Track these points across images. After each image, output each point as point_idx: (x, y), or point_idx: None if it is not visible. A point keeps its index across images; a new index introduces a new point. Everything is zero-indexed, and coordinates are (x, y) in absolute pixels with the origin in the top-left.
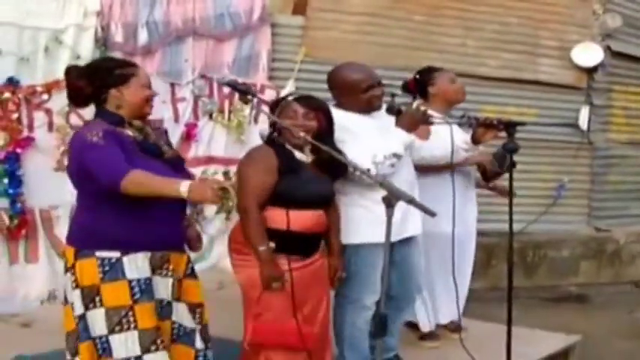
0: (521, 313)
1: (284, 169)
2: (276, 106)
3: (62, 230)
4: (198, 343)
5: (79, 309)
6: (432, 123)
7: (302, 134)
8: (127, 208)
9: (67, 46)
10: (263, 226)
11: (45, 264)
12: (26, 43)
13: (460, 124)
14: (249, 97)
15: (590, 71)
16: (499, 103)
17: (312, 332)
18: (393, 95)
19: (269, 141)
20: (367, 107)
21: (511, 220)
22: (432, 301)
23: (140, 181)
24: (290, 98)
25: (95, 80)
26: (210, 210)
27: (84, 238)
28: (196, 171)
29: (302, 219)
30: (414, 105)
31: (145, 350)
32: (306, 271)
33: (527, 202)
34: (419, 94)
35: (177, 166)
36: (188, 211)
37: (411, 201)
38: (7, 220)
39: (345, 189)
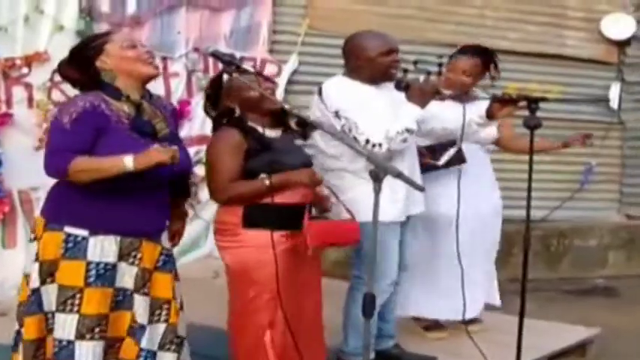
0: (542, 307)
1: (254, 147)
2: (218, 83)
3: None
4: (144, 342)
5: (34, 282)
6: (443, 98)
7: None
8: (102, 188)
9: (48, 16)
10: (244, 182)
11: (24, 249)
12: (4, 13)
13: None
14: (234, 68)
15: (622, 45)
16: (521, 79)
17: (299, 316)
18: (405, 71)
19: (231, 123)
20: (385, 74)
21: (529, 206)
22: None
23: (84, 167)
24: (225, 77)
25: (78, 62)
26: (204, 194)
27: (55, 211)
28: (190, 151)
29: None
30: (422, 79)
31: (79, 336)
32: (292, 248)
33: (551, 188)
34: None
35: (172, 146)
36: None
37: (399, 175)
38: None
39: (351, 166)
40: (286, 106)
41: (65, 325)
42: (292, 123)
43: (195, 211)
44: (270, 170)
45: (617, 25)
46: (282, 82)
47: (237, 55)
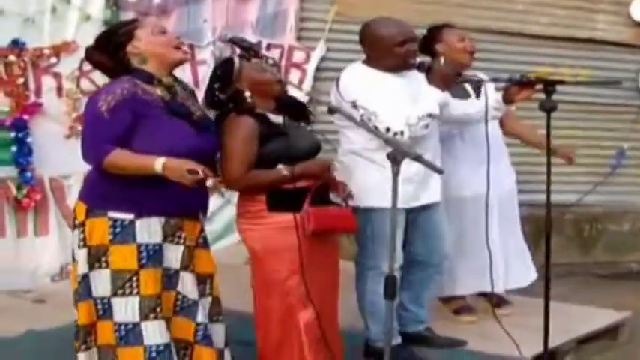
0: (575, 291)
1: (265, 133)
2: (227, 69)
3: (74, 201)
4: (200, 317)
5: (82, 268)
6: (465, 80)
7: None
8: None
9: (75, 6)
10: (262, 172)
11: (56, 237)
12: (32, 4)
13: (495, 82)
14: (252, 54)
15: None
16: (551, 63)
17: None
18: (436, 57)
19: (242, 109)
20: (402, 63)
21: (548, 189)
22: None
23: (118, 163)
24: (236, 61)
25: (107, 48)
26: None
27: (98, 197)
28: None
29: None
30: (442, 61)
31: (144, 317)
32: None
33: (582, 172)
34: (427, 52)
35: (205, 128)
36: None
37: (417, 158)
38: (14, 191)
39: (364, 151)
40: (298, 90)
41: (127, 308)
42: (312, 108)
43: (226, 197)
44: (285, 156)
45: None
46: (310, 69)
47: (264, 42)
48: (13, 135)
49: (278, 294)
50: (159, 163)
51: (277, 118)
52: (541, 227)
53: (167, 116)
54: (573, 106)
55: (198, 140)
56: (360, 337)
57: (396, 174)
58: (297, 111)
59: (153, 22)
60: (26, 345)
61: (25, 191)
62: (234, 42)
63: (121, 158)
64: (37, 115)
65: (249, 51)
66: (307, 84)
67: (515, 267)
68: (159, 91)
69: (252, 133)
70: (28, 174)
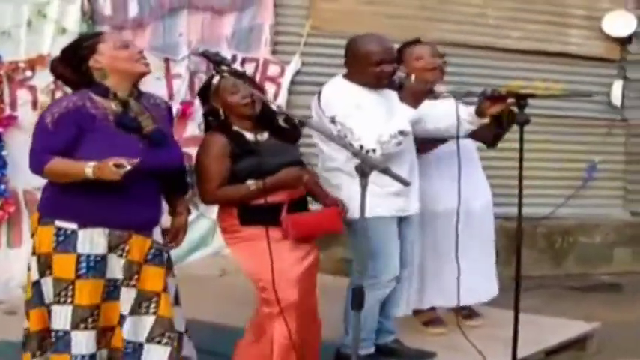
0: (547, 303)
1: (239, 151)
2: (207, 90)
3: None
4: (126, 333)
5: (34, 274)
6: (436, 97)
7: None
8: (90, 183)
9: (51, 20)
10: (232, 188)
11: (29, 248)
12: (7, 17)
13: (466, 97)
14: (224, 68)
15: (623, 42)
16: (523, 77)
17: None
18: (407, 75)
19: (216, 127)
20: (374, 82)
21: (520, 202)
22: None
23: (55, 171)
24: (214, 79)
25: (71, 62)
26: None
27: (47, 206)
28: (192, 151)
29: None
30: (413, 78)
31: (74, 326)
32: (290, 243)
33: (554, 185)
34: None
35: (158, 142)
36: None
37: (384, 170)
38: None
39: (345, 166)
40: (273, 106)
41: (61, 316)
42: (281, 121)
43: (200, 210)
44: (255, 172)
45: (619, 22)
46: (285, 82)
47: (240, 56)
48: None
49: (259, 304)
50: (88, 167)
51: (257, 136)
52: (513, 240)
53: (115, 130)
54: (546, 120)
55: (145, 154)
56: (332, 348)
57: (364, 186)
58: (284, 131)
59: (115, 37)
60: None
61: None
62: (205, 56)
63: (57, 167)
64: (12, 128)
65: (220, 64)
66: (282, 98)
67: (478, 282)
68: (113, 105)
69: (221, 151)
70: (2, 186)
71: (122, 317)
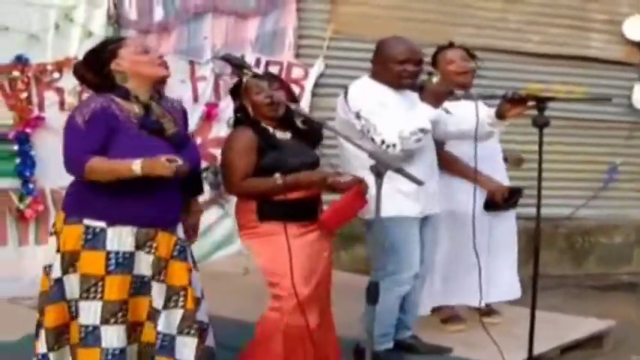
0: (566, 302)
1: (265, 146)
2: (237, 88)
3: None
4: (161, 326)
5: (56, 272)
6: (457, 98)
7: (282, 100)
8: (118, 183)
9: (78, 24)
10: (259, 179)
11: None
12: (35, 20)
13: (489, 99)
14: (245, 71)
15: None
16: (544, 81)
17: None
18: (430, 74)
19: (245, 122)
20: (397, 81)
21: (539, 203)
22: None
23: (98, 169)
24: (245, 78)
25: (94, 65)
26: None
27: (74, 205)
28: (217, 152)
29: None
30: (434, 79)
31: (104, 321)
32: (306, 239)
33: (575, 186)
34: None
35: (180, 144)
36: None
37: (398, 170)
38: (16, 201)
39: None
40: (293, 106)
41: (90, 312)
42: (299, 122)
43: (225, 209)
44: (281, 168)
45: (639, 27)
46: (308, 85)
47: (264, 59)
48: (16, 147)
49: (272, 298)
50: (136, 164)
51: (282, 135)
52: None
53: (139, 131)
54: (568, 122)
55: (175, 154)
56: (353, 344)
57: (379, 186)
58: (306, 132)
59: (136, 42)
60: (23, 349)
61: (27, 202)
62: (226, 59)
63: (98, 165)
64: (40, 129)
65: (241, 68)
66: (305, 100)
67: (501, 282)
68: (135, 108)
69: (248, 144)
70: (31, 185)
71: (156, 312)
